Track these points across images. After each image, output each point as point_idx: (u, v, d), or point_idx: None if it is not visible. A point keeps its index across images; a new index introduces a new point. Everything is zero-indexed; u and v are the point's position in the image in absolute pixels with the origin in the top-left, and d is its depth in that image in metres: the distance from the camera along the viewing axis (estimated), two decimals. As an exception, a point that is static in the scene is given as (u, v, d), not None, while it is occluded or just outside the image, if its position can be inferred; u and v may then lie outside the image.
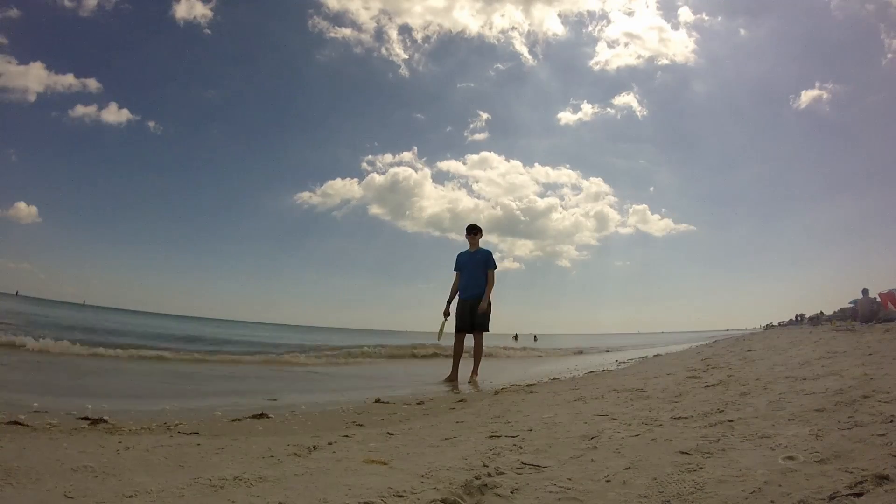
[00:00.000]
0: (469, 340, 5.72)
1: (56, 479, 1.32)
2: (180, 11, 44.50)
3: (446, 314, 5.80)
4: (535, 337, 30.91)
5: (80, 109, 42.16)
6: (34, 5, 41.61)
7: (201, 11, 43.93)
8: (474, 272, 5.65)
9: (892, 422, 1.43)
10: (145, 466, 1.51)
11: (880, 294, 13.33)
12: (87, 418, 2.38)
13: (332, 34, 47.63)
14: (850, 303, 17.82)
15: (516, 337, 28.03)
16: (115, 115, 43.15)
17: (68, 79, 40.88)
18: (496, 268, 5.71)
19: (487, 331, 5.67)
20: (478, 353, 5.67)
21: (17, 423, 2.16)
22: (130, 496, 1.21)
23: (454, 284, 5.83)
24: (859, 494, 1.00)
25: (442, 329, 5.82)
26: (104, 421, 2.34)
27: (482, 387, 4.75)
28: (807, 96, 49.18)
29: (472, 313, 5.58)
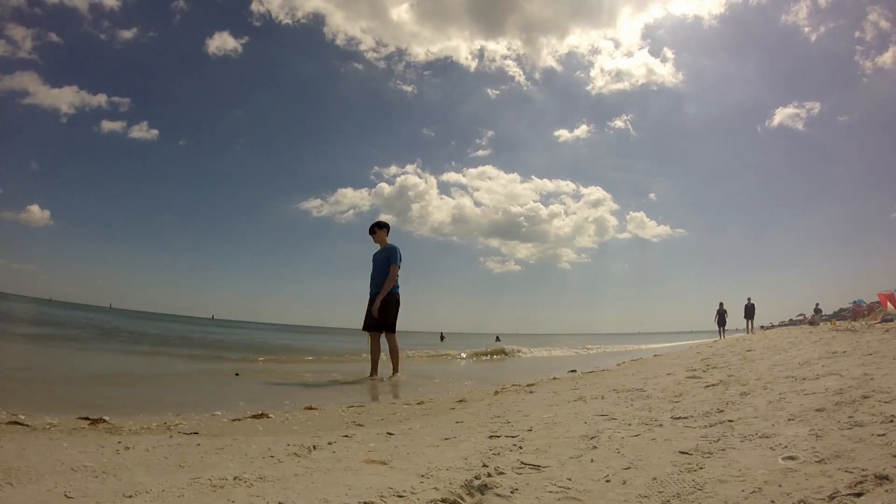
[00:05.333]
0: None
1: (56, 479, 1.32)
2: (212, 46, 48.45)
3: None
4: (497, 337, 29.92)
5: (107, 126, 45.19)
6: (75, 34, 45.19)
7: (232, 45, 48.33)
8: (379, 269, 5.56)
9: (892, 422, 1.43)
10: (145, 466, 1.51)
11: (880, 294, 13.33)
12: (87, 418, 2.38)
13: (345, 69, 54.60)
14: (850, 302, 17.81)
15: (498, 338, 27.54)
16: (144, 132, 46.08)
17: (100, 98, 43.90)
18: (399, 264, 5.54)
19: (393, 331, 5.52)
20: (394, 354, 5.55)
21: (17, 423, 2.16)
22: (130, 496, 1.21)
23: None
24: (859, 494, 1.00)
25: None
26: (104, 421, 2.34)
27: (484, 387, 4.75)
28: (783, 114, 52.16)
29: (373, 311, 5.47)
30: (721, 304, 20.63)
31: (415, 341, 18.77)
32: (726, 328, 20.44)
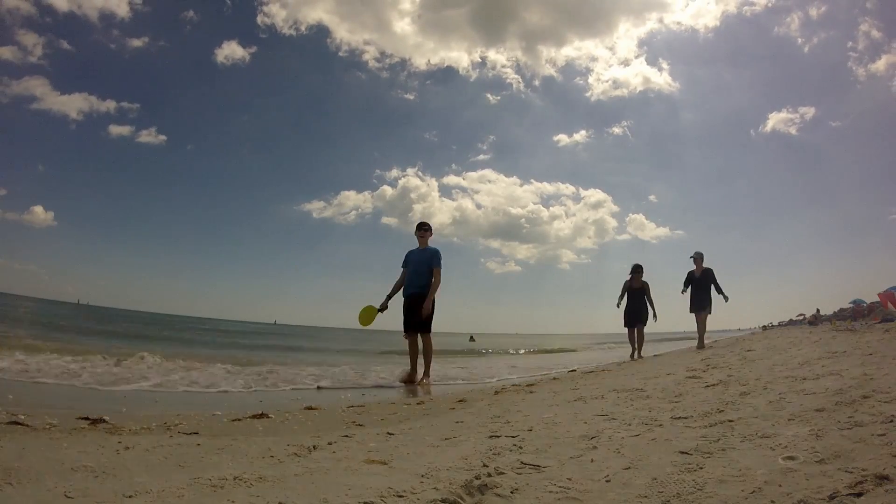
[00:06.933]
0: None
1: (56, 479, 1.32)
2: (220, 56, 51.57)
3: (382, 308, 5.70)
4: (471, 337, 29.55)
5: (115, 130, 47.76)
6: (85, 42, 47.61)
7: (240, 54, 50.87)
8: (419, 269, 5.54)
9: (892, 422, 1.43)
10: (145, 466, 1.51)
11: (880, 294, 13.32)
12: (87, 418, 2.38)
13: (348, 78, 55.98)
14: (850, 302, 17.79)
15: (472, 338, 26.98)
16: (152, 137, 47.88)
17: (108, 104, 46.53)
18: (441, 267, 5.55)
19: (429, 332, 5.53)
20: (427, 355, 5.54)
21: (17, 423, 2.16)
22: (130, 496, 1.21)
23: (398, 280, 5.71)
24: (859, 494, 1.00)
25: (367, 316, 5.70)
26: (104, 421, 2.34)
27: (483, 386, 4.75)
28: (777, 118, 53.84)
29: (413, 312, 5.48)
30: (631, 277, 8.75)
31: (380, 339, 18.68)
32: (643, 336, 8.81)
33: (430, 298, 5.42)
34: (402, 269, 5.72)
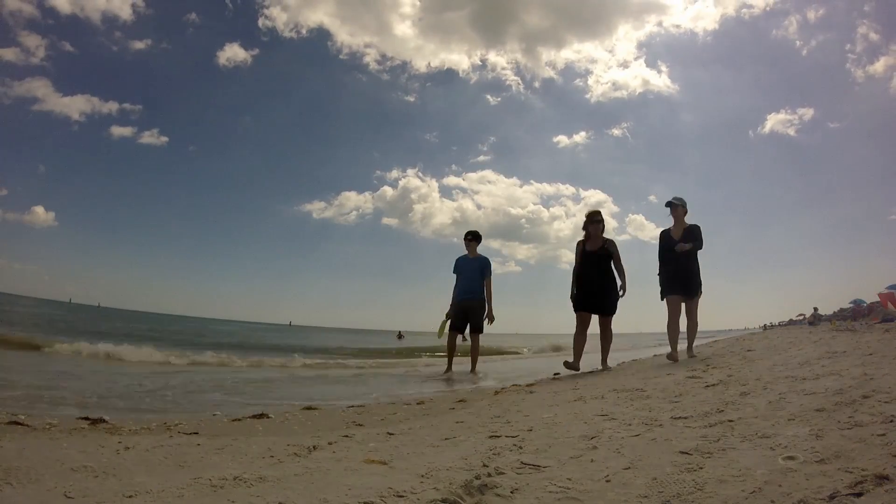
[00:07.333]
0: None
1: (56, 479, 1.32)
2: (223, 58, 52.05)
3: (448, 315, 6.21)
4: (464, 337, 29.07)
5: (117, 131, 48.33)
6: (88, 44, 49.19)
7: (242, 57, 52.09)
8: (471, 277, 6.11)
9: (892, 422, 1.43)
10: (145, 466, 1.51)
11: (879, 294, 13.30)
12: (87, 418, 2.38)
13: (349, 80, 57.42)
14: (850, 302, 17.78)
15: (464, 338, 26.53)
16: (154, 138, 49.01)
17: (111, 106, 47.31)
18: (491, 276, 6.18)
19: (482, 332, 6.17)
20: (475, 353, 6.23)
21: (17, 423, 2.16)
22: (130, 496, 1.21)
23: (455, 286, 6.23)
24: (859, 494, 1.00)
25: (442, 328, 6.24)
26: (104, 421, 2.35)
27: (483, 384, 4.76)
28: (776, 119, 54.50)
29: (466, 315, 6.09)
30: (585, 235, 5.23)
31: (372, 339, 18.15)
32: (609, 332, 5.12)
33: (490, 307, 6.05)
34: (454, 275, 6.23)
